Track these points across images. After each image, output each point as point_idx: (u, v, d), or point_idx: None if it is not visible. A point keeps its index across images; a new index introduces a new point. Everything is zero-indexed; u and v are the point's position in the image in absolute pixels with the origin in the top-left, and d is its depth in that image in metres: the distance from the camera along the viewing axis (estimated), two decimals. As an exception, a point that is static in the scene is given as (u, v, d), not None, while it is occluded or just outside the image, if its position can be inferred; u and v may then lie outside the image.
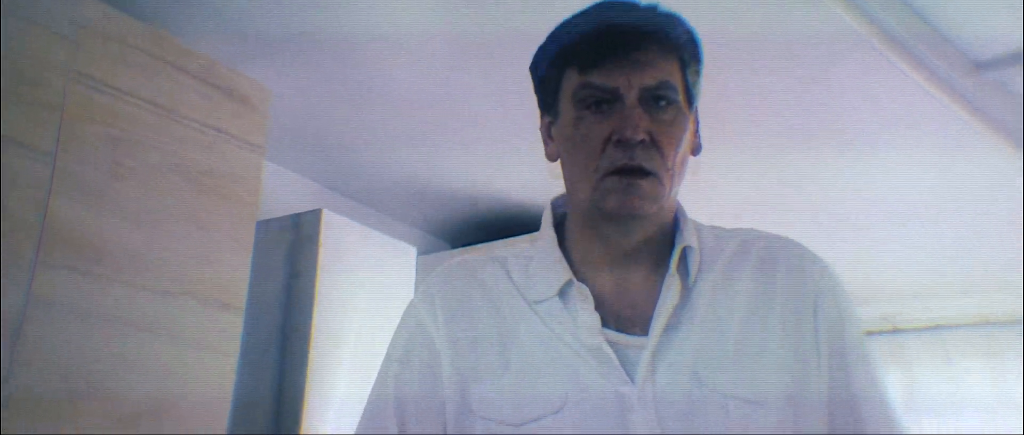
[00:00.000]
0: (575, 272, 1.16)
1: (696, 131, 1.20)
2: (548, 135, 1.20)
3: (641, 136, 1.10)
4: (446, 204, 2.67)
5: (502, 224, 2.71)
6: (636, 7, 1.17)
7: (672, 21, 1.18)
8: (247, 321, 1.88)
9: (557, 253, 1.18)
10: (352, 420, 2.16)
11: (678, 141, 1.14)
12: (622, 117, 1.11)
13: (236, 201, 1.88)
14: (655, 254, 1.16)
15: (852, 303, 1.20)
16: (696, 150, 1.20)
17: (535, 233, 1.24)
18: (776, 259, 1.18)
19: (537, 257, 1.19)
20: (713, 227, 1.24)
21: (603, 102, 1.12)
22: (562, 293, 1.15)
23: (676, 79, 1.14)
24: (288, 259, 2.21)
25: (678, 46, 1.16)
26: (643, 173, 1.11)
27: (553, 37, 1.18)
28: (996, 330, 3.03)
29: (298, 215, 2.26)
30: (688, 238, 1.16)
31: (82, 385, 1.54)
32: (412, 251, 2.43)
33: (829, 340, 1.15)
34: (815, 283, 1.17)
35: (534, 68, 1.20)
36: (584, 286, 1.14)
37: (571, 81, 1.14)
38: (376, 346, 2.28)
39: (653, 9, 1.18)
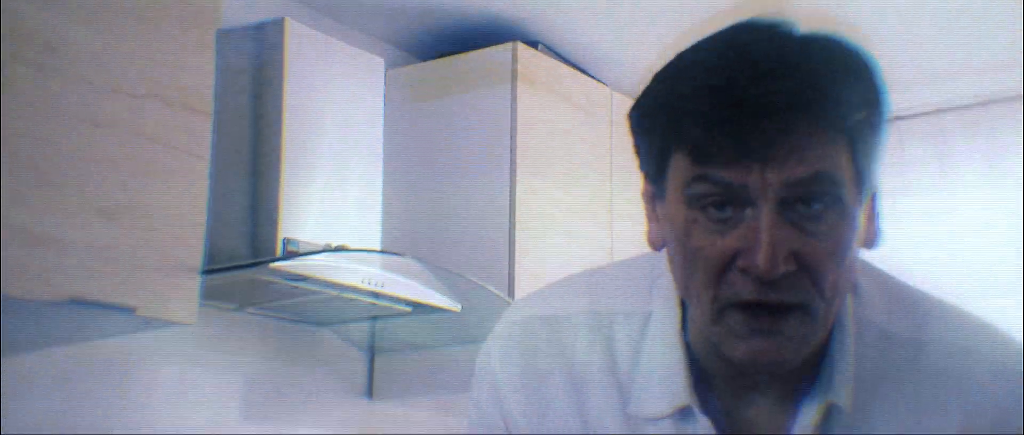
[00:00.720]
0: (696, 385, 0.86)
1: (872, 218, 0.84)
2: (652, 211, 0.87)
3: (782, 269, 0.77)
4: (414, 15, 2.64)
5: (473, 36, 2.67)
6: (779, 61, 0.78)
7: (839, 75, 0.78)
8: (215, 132, 1.88)
9: (680, 354, 0.86)
10: (327, 229, 2.20)
11: (841, 257, 0.79)
12: (753, 234, 0.77)
13: (196, 5, 1.85)
14: (796, 381, 0.85)
15: None
16: (871, 242, 0.85)
17: (654, 259, 0.90)
18: (958, 381, 0.84)
19: (654, 335, 0.88)
20: (904, 331, 0.86)
21: (726, 204, 0.78)
22: (678, 415, 0.86)
23: (840, 165, 0.78)
24: (253, 68, 2.19)
25: (846, 117, 0.78)
26: (785, 310, 0.79)
27: (660, 90, 0.82)
28: (994, 107, 3.01)
29: (262, 24, 2.23)
30: (836, 386, 0.83)
31: (55, 178, 1.55)
32: (380, 63, 2.41)
33: None
34: (995, 403, 0.84)
35: (634, 124, 0.85)
36: (708, 421, 0.85)
37: (682, 168, 0.80)
38: (347, 159, 2.29)
39: (804, 59, 0.78)
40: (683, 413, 0.85)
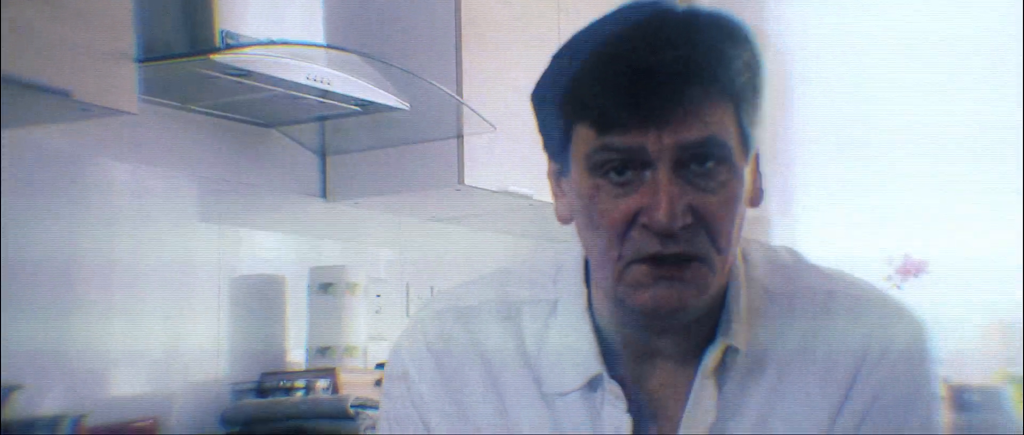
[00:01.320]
0: (604, 355, 0.93)
1: (756, 178, 0.93)
2: (558, 187, 0.94)
3: (680, 221, 0.84)
4: None
5: None
6: (668, 32, 0.85)
7: (724, 44, 0.86)
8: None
9: (587, 328, 0.94)
10: (268, 22, 2.20)
11: (733, 211, 0.88)
12: (652, 193, 0.85)
13: None
14: (698, 340, 0.93)
15: (931, 383, 0.94)
16: (756, 200, 0.93)
17: (558, 253, 0.99)
18: (845, 339, 0.93)
19: (561, 318, 0.95)
20: (781, 288, 0.95)
21: (627, 167, 0.86)
22: (588, 386, 0.92)
23: (728, 129, 0.86)
24: None
25: (731, 82, 0.86)
26: (684, 259, 0.86)
27: (558, 70, 0.89)
28: None
29: None
30: (734, 331, 0.92)
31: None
32: None
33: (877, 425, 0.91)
34: (867, 348, 0.92)
35: (537, 105, 0.92)
36: (617, 385, 0.92)
37: (584, 139, 0.87)
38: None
39: (692, 30, 0.86)
40: (593, 383, 0.92)
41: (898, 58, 2.97)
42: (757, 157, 0.93)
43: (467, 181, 2.53)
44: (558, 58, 0.90)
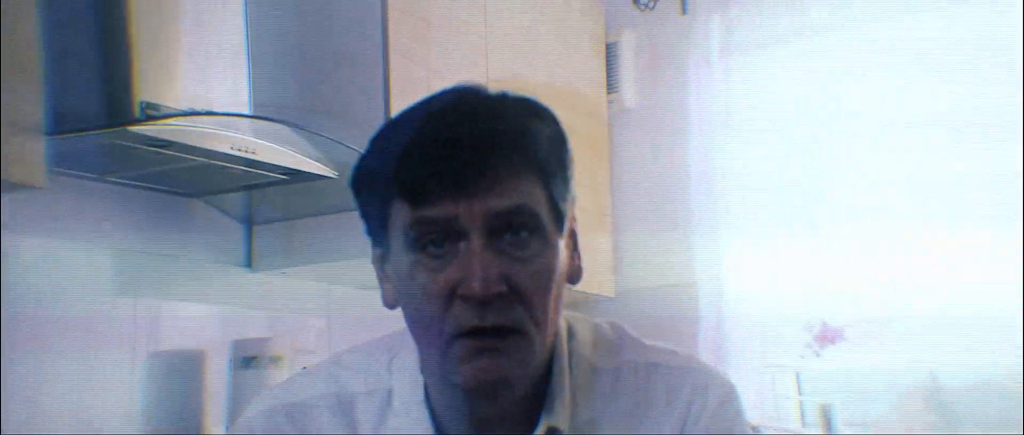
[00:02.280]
0: None
1: (573, 255, 0.96)
2: (382, 273, 0.96)
3: (494, 289, 0.87)
4: None
5: None
6: (475, 108, 0.90)
7: (527, 120, 0.91)
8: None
9: (425, 421, 0.95)
10: (192, 92, 2.13)
11: (548, 282, 0.90)
12: (467, 263, 0.87)
13: None
14: (524, 423, 0.95)
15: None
16: (574, 277, 0.96)
17: (392, 339, 0.99)
18: (667, 407, 0.97)
19: (397, 409, 0.95)
20: (606, 363, 0.98)
21: (443, 241, 0.88)
22: None
23: (538, 199, 0.90)
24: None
25: (536, 154, 0.90)
26: (504, 333, 0.88)
27: (373, 151, 0.92)
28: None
29: None
30: (557, 412, 0.94)
31: None
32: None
33: None
34: (688, 410, 0.96)
35: (355, 188, 0.95)
36: None
37: (400, 215, 0.89)
38: (208, 15, 2.20)
39: (497, 108, 0.90)
40: None
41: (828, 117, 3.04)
42: (574, 235, 0.97)
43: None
44: (373, 141, 0.93)
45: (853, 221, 2.91)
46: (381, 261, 0.95)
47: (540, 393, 0.95)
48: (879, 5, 2.91)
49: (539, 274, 0.89)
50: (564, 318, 1.00)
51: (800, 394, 2.87)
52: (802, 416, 2.90)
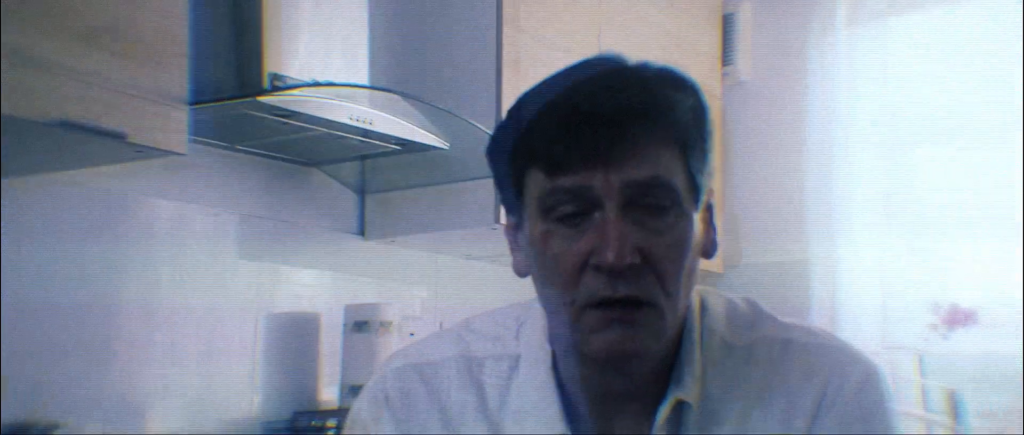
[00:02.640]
0: (567, 414, 0.93)
1: (708, 229, 0.94)
2: (514, 242, 0.96)
3: (628, 260, 0.85)
4: None
5: None
6: (615, 78, 0.89)
7: (669, 91, 0.89)
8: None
9: (550, 387, 0.94)
10: (314, 65, 2.22)
11: (681, 255, 0.89)
12: (601, 233, 0.86)
13: None
14: (653, 395, 0.94)
15: (888, 423, 0.94)
16: (709, 251, 0.94)
17: (521, 307, 0.99)
18: (803, 385, 0.93)
19: (524, 375, 0.95)
20: (740, 339, 0.96)
21: (578, 213, 0.87)
22: None
23: (676, 171, 0.88)
24: None
25: (678, 125, 0.89)
26: (635, 304, 0.87)
27: (511, 121, 0.92)
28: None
29: None
30: (685, 384, 0.92)
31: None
32: None
33: None
34: (824, 390, 0.93)
35: (492, 158, 0.95)
36: None
37: (536, 183, 0.89)
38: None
39: (637, 77, 0.89)
40: None
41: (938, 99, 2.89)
42: (710, 209, 0.95)
43: (503, 221, 2.52)
44: (511, 111, 0.92)
45: (985, 197, 2.73)
46: (515, 230, 0.95)
47: (670, 366, 0.94)
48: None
49: (673, 246, 0.88)
50: (697, 292, 0.99)
51: (923, 377, 2.70)
52: (925, 401, 2.73)
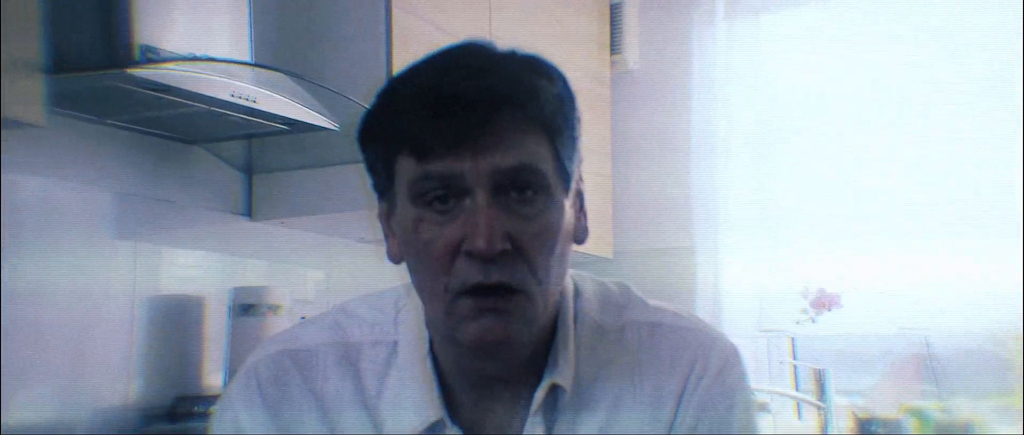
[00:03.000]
0: (445, 400, 0.94)
1: (578, 215, 0.95)
2: (388, 227, 0.96)
3: (498, 247, 0.86)
4: None
5: None
6: (483, 64, 0.89)
7: (535, 78, 0.90)
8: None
9: (428, 373, 0.95)
10: (193, 39, 2.13)
11: (552, 241, 0.90)
12: (471, 220, 0.87)
13: None
14: (528, 379, 0.95)
15: (747, 397, 0.98)
16: (580, 237, 0.96)
17: (398, 291, 0.99)
18: (670, 367, 0.96)
19: (401, 361, 0.95)
20: (611, 323, 0.98)
21: (448, 197, 0.88)
22: (428, 430, 0.94)
23: (544, 157, 0.89)
24: None
25: (543, 112, 0.89)
26: (507, 291, 0.88)
27: (380, 106, 0.92)
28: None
29: None
30: (560, 369, 0.94)
31: None
32: None
33: None
34: (690, 372, 0.96)
35: (362, 143, 0.95)
36: (457, 429, 0.94)
37: (406, 169, 0.89)
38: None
39: (505, 64, 0.90)
40: (434, 427, 0.94)
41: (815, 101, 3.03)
42: (581, 195, 0.96)
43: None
44: (380, 96, 0.93)
45: (853, 189, 2.91)
46: (387, 216, 0.95)
47: (545, 351, 0.95)
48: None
49: (543, 233, 0.89)
50: (571, 277, 1.00)
51: (794, 359, 2.89)
52: (797, 381, 2.93)
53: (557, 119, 0.91)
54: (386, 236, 0.96)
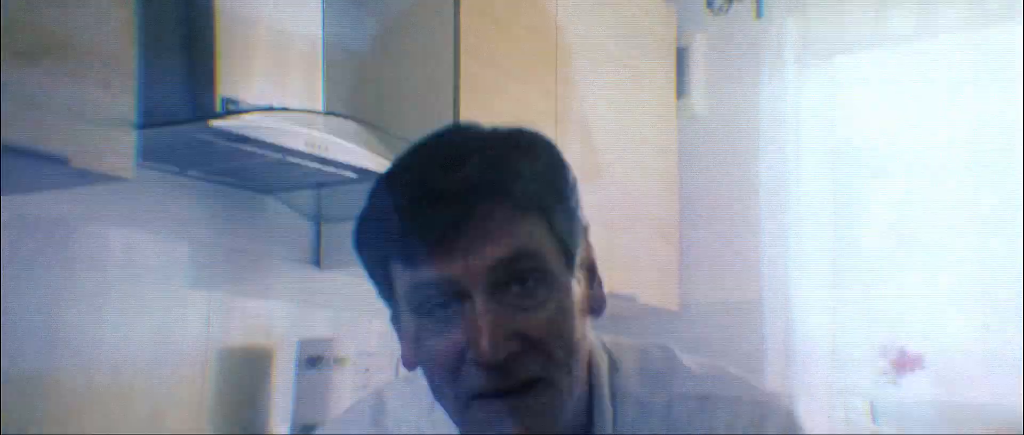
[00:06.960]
0: None
1: (591, 285, 0.88)
2: (399, 331, 0.90)
3: (504, 352, 0.80)
4: None
5: None
6: (459, 153, 0.82)
7: (515, 156, 0.83)
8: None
9: None
10: (269, 91, 2.16)
11: (564, 327, 0.83)
12: (472, 323, 0.80)
13: None
14: None
15: None
16: (596, 309, 0.89)
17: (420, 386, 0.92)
18: (699, 427, 0.89)
19: None
20: (656, 398, 0.91)
21: (447, 302, 0.82)
22: None
23: (539, 240, 0.82)
24: None
25: (529, 191, 0.82)
26: (526, 385, 0.82)
27: (369, 210, 0.86)
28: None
29: None
30: None
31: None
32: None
33: None
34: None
35: (357, 248, 0.90)
36: None
37: (400, 277, 0.84)
38: (286, 15, 2.23)
39: (483, 149, 0.83)
40: None
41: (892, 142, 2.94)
42: (592, 264, 0.89)
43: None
44: (370, 196, 0.86)
45: (935, 239, 2.74)
46: (396, 321, 0.89)
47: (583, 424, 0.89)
48: (964, 15, 2.79)
49: (554, 320, 0.82)
50: (606, 348, 0.94)
51: (875, 423, 2.70)
52: None
53: (547, 195, 0.84)
54: (401, 340, 0.89)
